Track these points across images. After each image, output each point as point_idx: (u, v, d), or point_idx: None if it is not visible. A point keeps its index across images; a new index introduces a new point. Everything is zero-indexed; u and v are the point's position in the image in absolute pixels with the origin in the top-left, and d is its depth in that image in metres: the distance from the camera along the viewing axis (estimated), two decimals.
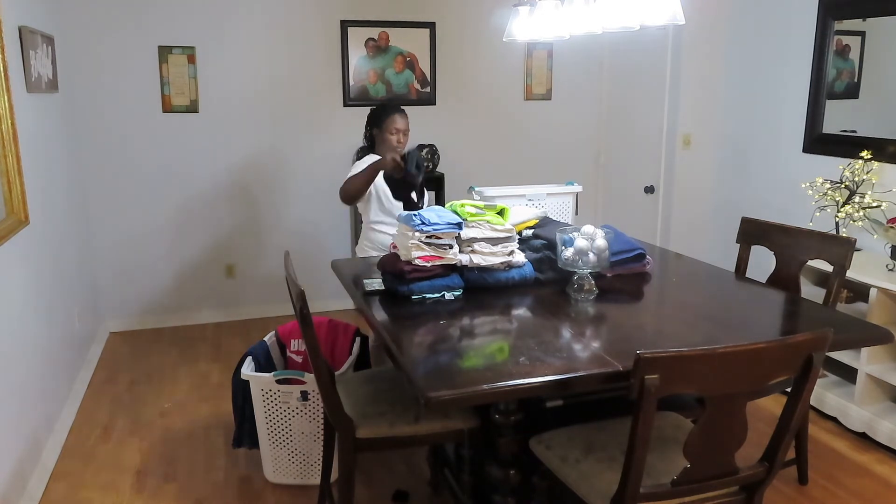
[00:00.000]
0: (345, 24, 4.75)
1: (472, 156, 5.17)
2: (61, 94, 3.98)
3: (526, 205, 3.50)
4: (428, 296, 2.32)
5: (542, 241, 2.64)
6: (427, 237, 2.33)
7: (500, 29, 3.73)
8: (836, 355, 3.22)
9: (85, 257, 4.28)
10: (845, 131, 3.79)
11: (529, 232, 2.78)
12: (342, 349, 3.03)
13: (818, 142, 3.93)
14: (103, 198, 4.51)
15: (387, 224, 3.24)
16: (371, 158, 3.22)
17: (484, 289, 2.40)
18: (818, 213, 3.66)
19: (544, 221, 2.93)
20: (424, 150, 4.89)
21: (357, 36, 4.78)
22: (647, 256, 2.67)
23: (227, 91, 4.61)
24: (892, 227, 3.18)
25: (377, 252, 3.16)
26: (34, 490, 2.75)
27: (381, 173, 3.09)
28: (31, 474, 2.77)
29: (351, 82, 4.82)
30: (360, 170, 3.12)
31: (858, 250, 3.48)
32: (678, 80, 4.64)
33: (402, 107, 3.40)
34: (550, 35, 2.88)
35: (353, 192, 3.12)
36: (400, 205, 3.12)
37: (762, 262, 3.03)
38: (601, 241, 2.33)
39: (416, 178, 2.91)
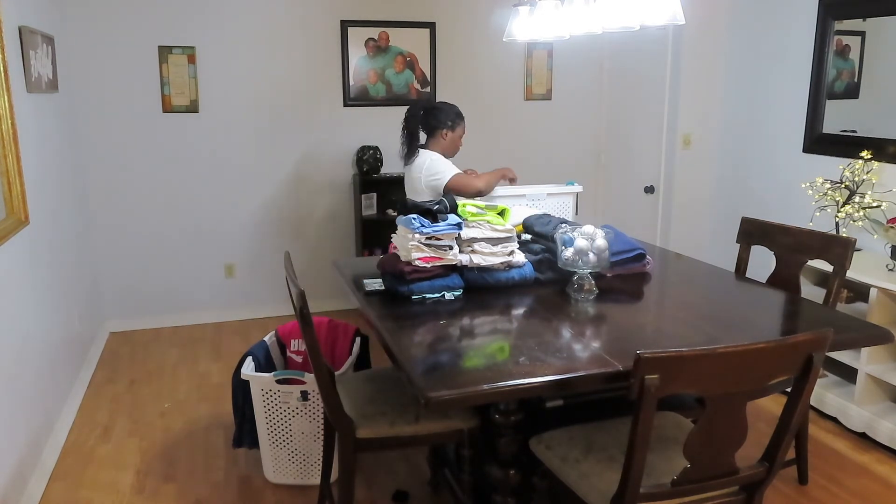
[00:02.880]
0: (345, 24, 4.75)
1: (473, 156, 5.16)
2: (61, 94, 3.98)
3: (526, 205, 3.50)
4: (428, 296, 2.32)
5: (539, 244, 2.64)
6: (427, 238, 2.33)
7: (500, 29, 3.73)
8: (836, 355, 3.22)
9: (85, 257, 4.28)
10: (845, 131, 3.79)
11: (528, 235, 2.77)
12: (342, 349, 3.03)
13: (818, 142, 3.93)
14: (103, 198, 4.51)
15: None
16: (439, 157, 3.43)
17: (484, 289, 2.40)
18: (818, 213, 3.66)
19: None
20: None
21: (357, 36, 4.78)
22: (647, 256, 2.67)
23: (227, 91, 4.61)
24: (892, 227, 3.18)
25: None
26: (34, 490, 2.75)
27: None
28: (31, 474, 2.77)
29: (351, 82, 4.82)
30: (450, 165, 3.40)
31: (858, 250, 3.48)
32: (678, 80, 4.64)
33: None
34: (550, 35, 2.88)
35: (485, 188, 3.37)
36: None
37: (762, 262, 3.03)
38: (601, 241, 2.32)
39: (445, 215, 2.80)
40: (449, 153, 3.50)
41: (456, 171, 3.37)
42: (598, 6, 2.56)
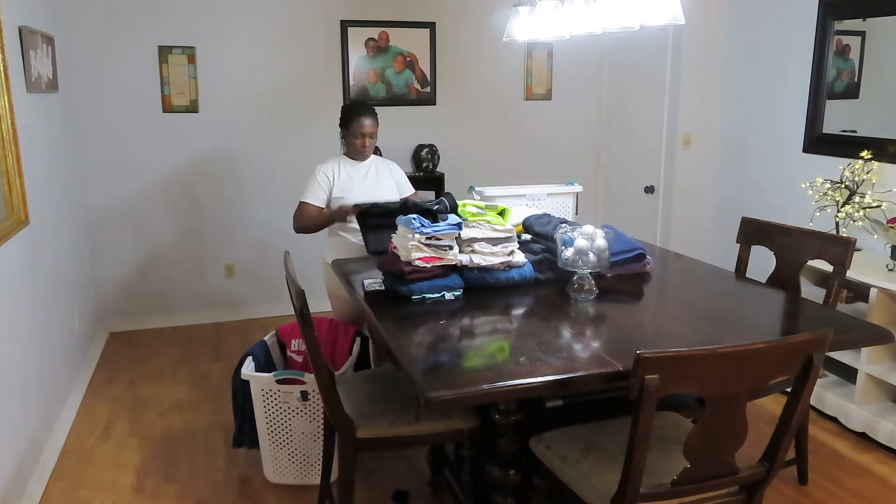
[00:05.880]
0: (345, 24, 4.75)
1: (472, 156, 5.17)
2: (61, 94, 3.98)
3: (526, 205, 3.50)
4: (428, 296, 2.32)
5: (539, 244, 2.64)
6: (427, 238, 2.33)
7: (500, 29, 3.73)
8: (836, 355, 3.22)
9: (85, 257, 4.28)
10: (845, 131, 3.79)
11: (528, 235, 2.77)
12: (342, 349, 3.03)
13: (818, 142, 3.93)
14: (103, 197, 4.51)
15: (345, 231, 3.38)
16: (328, 165, 3.41)
17: (484, 289, 2.40)
18: (818, 213, 3.66)
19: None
20: (424, 150, 4.89)
21: (357, 36, 4.78)
22: (647, 256, 2.67)
23: (227, 91, 4.61)
24: (892, 227, 3.18)
25: (342, 255, 3.25)
26: (34, 490, 2.75)
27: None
28: (31, 474, 2.77)
29: (351, 82, 4.82)
30: (313, 190, 3.37)
31: (858, 250, 3.48)
32: (678, 80, 4.64)
33: (375, 107, 3.57)
34: (550, 35, 2.88)
35: (307, 230, 3.41)
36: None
37: (762, 262, 3.03)
38: (601, 241, 2.32)
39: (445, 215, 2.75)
40: (352, 153, 3.47)
41: (307, 196, 3.39)
42: (598, 6, 2.56)
